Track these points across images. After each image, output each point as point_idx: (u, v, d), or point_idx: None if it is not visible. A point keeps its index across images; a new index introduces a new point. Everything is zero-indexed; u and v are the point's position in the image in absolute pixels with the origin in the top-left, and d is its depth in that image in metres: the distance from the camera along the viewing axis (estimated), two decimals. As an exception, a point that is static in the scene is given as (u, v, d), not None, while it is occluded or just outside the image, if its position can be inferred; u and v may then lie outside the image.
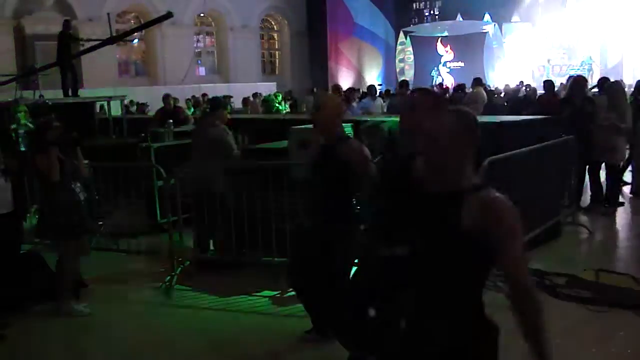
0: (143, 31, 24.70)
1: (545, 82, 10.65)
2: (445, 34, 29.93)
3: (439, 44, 30.29)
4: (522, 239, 2.16)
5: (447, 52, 30.22)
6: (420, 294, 2.26)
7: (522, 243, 2.16)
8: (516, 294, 2.16)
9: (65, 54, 12.42)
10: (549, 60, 26.45)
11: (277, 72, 29.91)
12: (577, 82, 8.85)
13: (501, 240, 2.10)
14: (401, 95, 11.59)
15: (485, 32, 28.99)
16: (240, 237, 5.99)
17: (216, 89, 20.12)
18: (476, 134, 2.24)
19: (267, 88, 21.90)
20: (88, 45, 12.50)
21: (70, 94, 12.38)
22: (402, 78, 28.79)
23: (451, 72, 29.61)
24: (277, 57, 30.27)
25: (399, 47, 30.94)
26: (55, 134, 5.10)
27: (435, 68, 29.92)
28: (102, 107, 13.38)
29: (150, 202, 7.55)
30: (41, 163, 5.07)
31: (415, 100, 3.07)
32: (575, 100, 8.32)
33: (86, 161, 5.63)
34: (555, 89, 11.14)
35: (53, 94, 12.35)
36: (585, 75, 24.89)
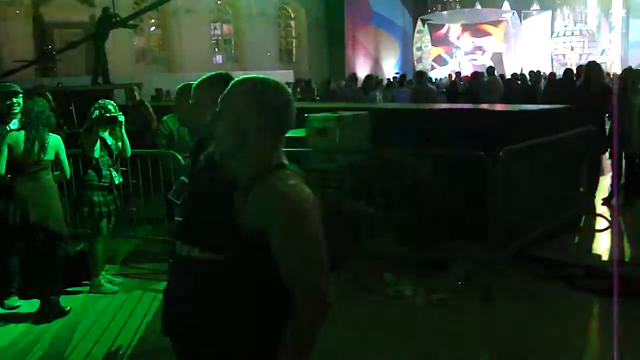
0: (160, 19, 24.78)
1: (565, 70, 10.55)
2: (464, 21, 29.69)
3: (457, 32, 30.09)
4: (314, 241, 1.72)
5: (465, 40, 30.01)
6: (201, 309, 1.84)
7: (314, 246, 1.72)
8: (301, 307, 1.70)
9: (102, 40, 12.60)
10: (572, 48, 26.16)
11: (294, 61, 29.84)
12: (592, 68, 8.64)
13: (281, 240, 1.69)
14: (420, 85, 11.60)
15: (504, 20, 28.73)
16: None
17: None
18: (275, 110, 1.83)
19: (284, 76, 21.88)
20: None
21: (100, 80, 12.57)
22: (419, 66, 28.66)
23: (469, 60, 29.41)
24: (294, 45, 30.18)
25: (416, 35, 30.75)
26: (100, 113, 5.28)
27: (454, 56, 29.74)
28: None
29: (167, 189, 7.56)
30: (83, 141, 5.28)
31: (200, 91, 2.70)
32: (591, 87, 8.19)
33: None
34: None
35: (71, 82, 12.44)
36: (606, 63, 24.68)
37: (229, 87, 1.88)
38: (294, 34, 30.16)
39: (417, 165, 5.52)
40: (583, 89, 8.33)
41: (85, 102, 8.67)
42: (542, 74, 19.25)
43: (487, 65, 16.88)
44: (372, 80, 12.74)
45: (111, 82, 12.77)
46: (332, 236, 5.65)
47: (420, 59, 30.51)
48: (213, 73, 2.79)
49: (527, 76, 17.51)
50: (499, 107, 9.07)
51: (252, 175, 1.78)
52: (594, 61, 8.92)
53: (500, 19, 28.76)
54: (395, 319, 4.71)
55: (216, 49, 27.19)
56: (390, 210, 5.50)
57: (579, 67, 10.14)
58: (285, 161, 1.86)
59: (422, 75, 12.37)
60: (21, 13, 20.60)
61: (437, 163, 5.44)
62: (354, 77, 14.24)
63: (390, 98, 13.25)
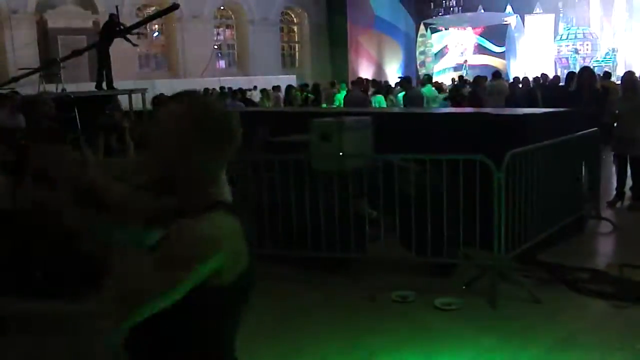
0: (163, 25, 24.89)
1: (568, 73, 10.56)
2: (467, 25, 29.70)
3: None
4: (178, 270, 1.52)
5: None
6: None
7: (174, 273, 1.52)
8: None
9: (106, 46, 12.61)
10: (577, 51, 26.13)
11: (296, 65, 29.88)
12: (584, 74, 8.65)
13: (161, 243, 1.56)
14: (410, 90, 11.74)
15: (507, 24, 28.74)
16: (261, 229, 5.98)
17: (236, 82, 20.17)
18: (215, 132, 1.60)
19: (287, 81, 21.90)
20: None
21: (104, 86, 12.59)
22: (423, 70, 28.68)
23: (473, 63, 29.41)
24: (296, 50, 30.23)
25: (419, 40, 30.72)
26: (105, 119, 5.33)
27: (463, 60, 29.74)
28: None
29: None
30: (89, 146, 5.30)
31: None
32: (584, 92, 8.21)
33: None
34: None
35: (76, 88, 12.47)
36: (610, 67, 24.66)
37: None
38: (296, 39, 30.22)
39: (421, 169, 5.52)
40: (577, 94, 8.36)
41: (89, 108, 8.71)
42: (545, 77, 19.21)
43: (494, 69, 16.90)
44: (376, 84, 12.83)
45: (115, 88, 12.79)
46: (336, 239, 5.62)
47: (423, 63, 30.49)
48: (179, 92, 2.65)
49: (530, 80, 17.47)
50: (503, 111, 9.07)
51: (194, 207, 1.59)
52: (587, 66, 8.98)
53: (503, 23, 28.77)
54: (398, 323, 4.70)
55: (219, 54, 27.27)
56: (394, 214, 5.50)
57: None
58: (226, 197, 1.68)
59: (409, 81, 12.68)
60: (25, 20, 20.70)
61: (441, 167, 5.44)
62: (358, 81, 14.28)
63: (394, 102, 13.32)
